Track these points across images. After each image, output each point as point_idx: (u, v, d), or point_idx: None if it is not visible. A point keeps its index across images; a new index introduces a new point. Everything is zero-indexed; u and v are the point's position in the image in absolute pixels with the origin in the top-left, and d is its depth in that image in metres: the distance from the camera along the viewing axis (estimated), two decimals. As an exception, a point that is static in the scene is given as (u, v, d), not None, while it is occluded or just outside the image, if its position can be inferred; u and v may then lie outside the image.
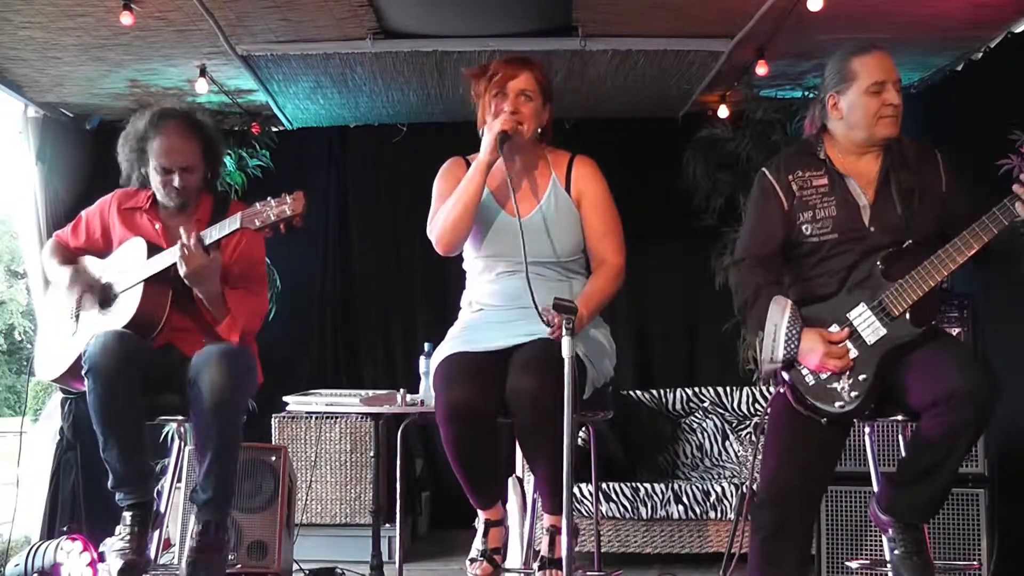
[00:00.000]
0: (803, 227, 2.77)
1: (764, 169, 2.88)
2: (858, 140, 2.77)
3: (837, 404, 2.63)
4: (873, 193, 2.74)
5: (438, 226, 2.91)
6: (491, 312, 2.92)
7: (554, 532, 2.83)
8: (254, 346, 3.24)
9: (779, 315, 2.66)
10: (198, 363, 2.96)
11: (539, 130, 2.95)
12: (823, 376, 2.65)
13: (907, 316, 2.63)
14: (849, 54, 2.77)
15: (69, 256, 3.28)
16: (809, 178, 2.79)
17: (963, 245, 2.60)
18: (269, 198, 2.92)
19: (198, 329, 3.11)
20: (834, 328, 2.67)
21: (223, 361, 2.92)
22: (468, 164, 2.97)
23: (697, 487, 4.34)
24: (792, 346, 2.63)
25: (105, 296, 3.14)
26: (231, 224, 2.94)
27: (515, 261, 2.87)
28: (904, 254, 2.67)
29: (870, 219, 2.72)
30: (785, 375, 2.69)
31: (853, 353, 2.64)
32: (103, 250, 3.27)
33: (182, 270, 2.95)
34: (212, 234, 2.98)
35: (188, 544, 2.97)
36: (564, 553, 2.44)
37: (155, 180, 3.16)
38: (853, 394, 2.62)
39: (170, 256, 3.01)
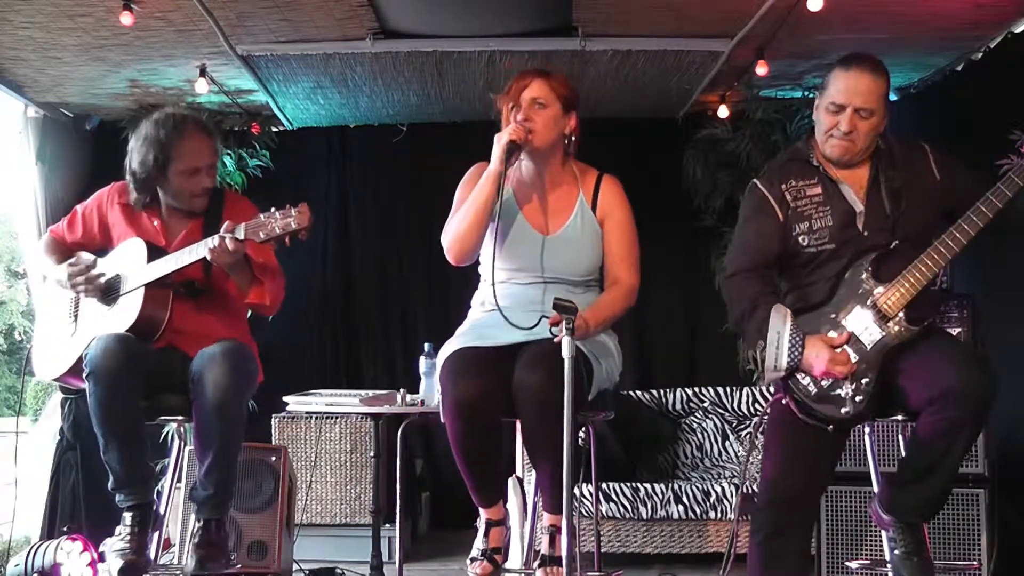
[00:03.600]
0: (800, 238, 2.75)
1: (755, 180, 2.86)
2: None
3: (842, 410, 2.62)
4: (864, 197, 2.73)
5: (449, 236, 2.93)
6: (503, 311, 2.92)
7: (554, 531, 2.83)
8: (254, 345, 3.24)
9: (781, 323, 2.64)
10: (200, 362, 2.96)
11: (565, 141, 2.96)
12: (825, 383, 2.64)
13: (902, 316, 2.63)
14: (837, 64, 2.75)
15: (65, 253, 3.27)
16: (803, 187, 2.77)
17: (950, 241, 2.60)
18: (273, 209, 2.90)
19: (200, 330, 3.10)
20: (831, 334, 2.66)
21: (226, 360, 2.92)
22: None
23: (697, 487, 4.34)
24: (796, 353, 2.62)
25: (108, 288, 3.13)
26: (236, 235, 2.93)
27: (534, 275, 2.92)
28: (892, 254, 2.66)
29: (864, 224, 2.72)
30: (788, 382, 2.68)
31: (853, 358, 2.63)
32: (101, 246, 3.26)
33: (215, 261, 2.95)
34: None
35: (190, 543, 2.97)
36: (564, 552, 2.45)
37: (180, 186, 3.12)
38: (857, 399, 2.61)
39: (173, 262, 3.02)
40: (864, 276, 2.67)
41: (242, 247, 2.93)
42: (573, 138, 3.00)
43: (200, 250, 2.96)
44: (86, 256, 3.22)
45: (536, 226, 2.96)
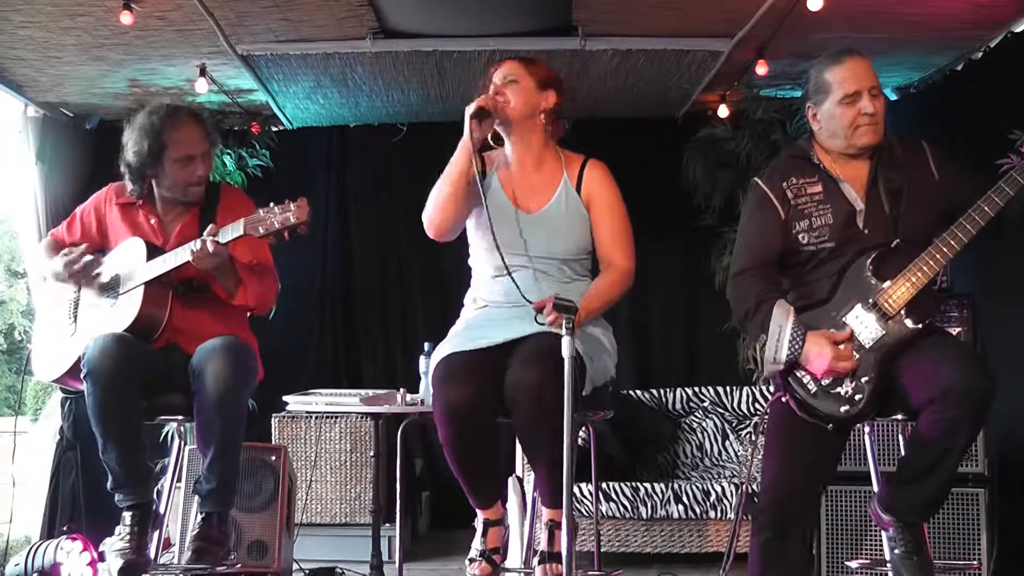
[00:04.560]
0: (799, 236, 2.75)
1: (756, 179, 2.86)
2: (838, 148, 2.77)
3: (842, 409, 2.62)
4: (865, 195, 2.73)
5: (427, 210, 2.95)
6: (494, 309, 2.93)
7: (553, 527, 2.83)
8: (255, 343, 3.24)
9: (783, 317, 2.64)
10: (201, 356, 2.96)
11: (545, 118, 2.96)
12: (825, 382, 2.64)
13: (903, 314, 2.62)
14: (823, 65, 2.76)
15: None
16: (803, 185, 2.77)
17: (951, 239, 2.60)
18: (272, 204, 2.90)
19: (200, 329, 3.10)
20: (832, 332, 2.66)
21: (226, 353, 2.93)
22: (482, 161, 3.01)
23: (697, 487, 4.34)
24: (796, 347, 2.62)
25: (107, 284, 3.13)
26: (234, 231, 2.93)
27: (519, 256, 2.90)
28: (893, 253, 2.66)
29: (864, 223, 2.71)
30: (788, 380, 2.68)
31: (854, 356, 2.63)
32: (99, 246, 3.25)
33: (197, 265, 2.94)
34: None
35: (190, 535, 2.97)
36: (564, 547, 2.45)
37: (176, 175, 3.12)
38: (857, 397, 2.61)
39: (171, 260, 3.01)
40: (865, 274, 2.67)
41: (224, 250, 2.94)
42: (556, 118, 2.99)
43: (184, 254, 2.96)
44: (81, 247, 3.20)
45: (518, 206, 2.96)
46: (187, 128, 3.13)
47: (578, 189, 2.97)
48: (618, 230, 2.97)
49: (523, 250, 2.91)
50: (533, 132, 2.98)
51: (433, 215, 2.92)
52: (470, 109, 2.84)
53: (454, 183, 2.86)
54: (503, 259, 2.82)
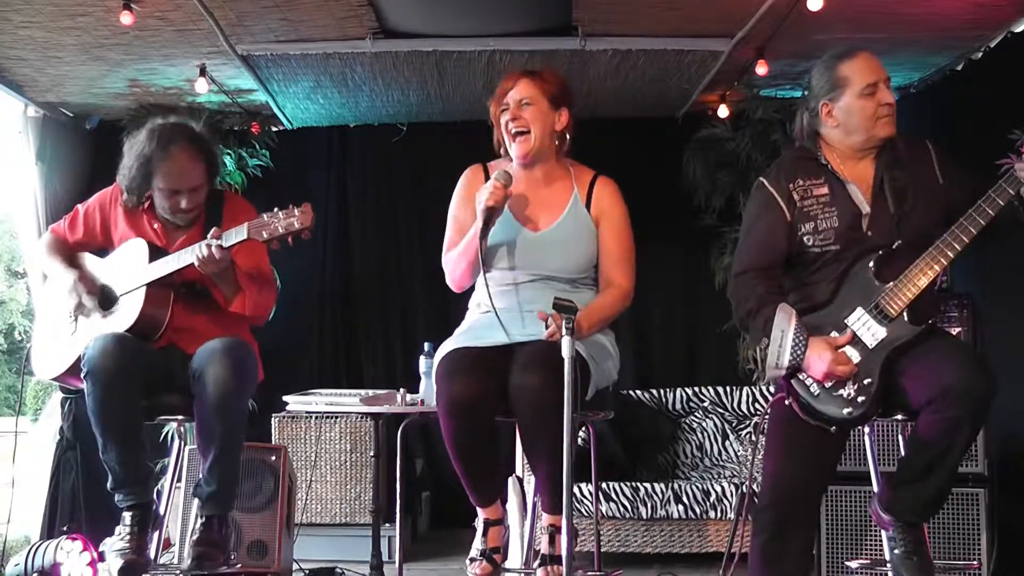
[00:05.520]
0: (805, 238, 2.74)
1: (762, 179, 2.85)
2: (856, 144, 2.76)
3: (845, 411, 2.61)
4: (871, 197, 2.73)
5: (447, 271, 3.02)
6: (498, 314, 2.93)
7: (553, 531, 2.83)
8: (255, 343, 3.24)
9: (786, 322, 2.63)
10: (201, 358, 2.96)
11: (558, 138, 2.96)
12: (828, 384, 2.64)
13: (905, 315, 2.62)
14: (835, 61, 2.76)
15: (70, 254, 3.27)
16: (809, 187, 2.76)
17: (953, 240, 2.60)
18: (276, 209, 2.90)
19: (200, 330, 3.10)
20: (833, 334, 2.66)
21: (227, 356, 2.93)
22: (486, 172, 3.02)
23: (697, 487, 4.34)
24: (798, 353, 2.61)
25: (105, 301, 3.14)
26: (237, 235, 2.92)
27: (528, 273, 2.92)
28: (895, 255, 2.66)
29: (868, 224, 2.71)
30: (791, 383, 2.68)
31: (856, 358, 2.62)
32: (102, 245, 3.26)
33: (202, 270, 2.95)
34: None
35: (190, 539, 2.97)
36: (564, 552, 2.45)
37: (161, 202, 3.13)
38: (860, 399, 2.61)
39: (174, 262, 3.01)
40: (868, 276, 2.67)
41: (227, 255, 2.94)
42: (567, 136, 2.99)
43: (187, 256, 2.96)
44: (89, 258, 3.21)
45: (528, 224, 2.96)
46: (179, 162, 3.08)
47: (588, 205, 2.98)
48: (623, 251, 2.99)
49: (533, 268, 2.93)
50: (547, 152, 2.98)
51: (456, 282, 3.02)
52: (480, 207, 2.82)
53: (471, 261, 2.92)
54: (492, 301, 2.84)
